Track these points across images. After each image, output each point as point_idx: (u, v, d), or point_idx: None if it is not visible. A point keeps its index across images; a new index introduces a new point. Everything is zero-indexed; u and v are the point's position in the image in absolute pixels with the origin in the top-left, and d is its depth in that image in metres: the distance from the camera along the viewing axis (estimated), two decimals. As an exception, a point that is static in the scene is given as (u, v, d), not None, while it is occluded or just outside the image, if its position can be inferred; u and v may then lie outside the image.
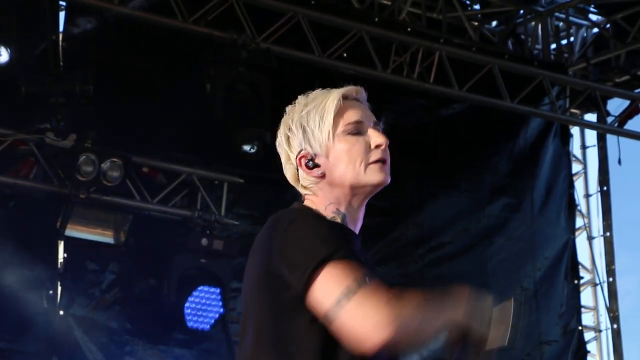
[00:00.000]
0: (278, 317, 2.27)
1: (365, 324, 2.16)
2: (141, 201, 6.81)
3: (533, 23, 8.42)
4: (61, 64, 6.60)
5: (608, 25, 8.42)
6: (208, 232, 6.89)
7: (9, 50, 6.09)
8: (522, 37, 8.48)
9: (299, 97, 2.47)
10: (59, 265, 6.60)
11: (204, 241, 6.79)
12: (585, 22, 8.63)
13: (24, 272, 6.47)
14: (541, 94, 8.10)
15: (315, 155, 2.40)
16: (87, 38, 6.77)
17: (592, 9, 8.55)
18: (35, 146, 6.46)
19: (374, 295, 2.18)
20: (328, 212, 2.39)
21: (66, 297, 6.63)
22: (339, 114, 2.40)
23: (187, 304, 6.76)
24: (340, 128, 2.40)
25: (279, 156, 2.47)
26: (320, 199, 2.41)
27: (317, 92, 2.45)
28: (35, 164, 6.52)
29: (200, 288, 6.80)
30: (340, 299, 2.18)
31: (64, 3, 6.74)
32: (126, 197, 6.71)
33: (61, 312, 6.57)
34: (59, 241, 6.58)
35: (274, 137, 2.52)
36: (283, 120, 2.47)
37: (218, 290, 6.83)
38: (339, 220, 2.39)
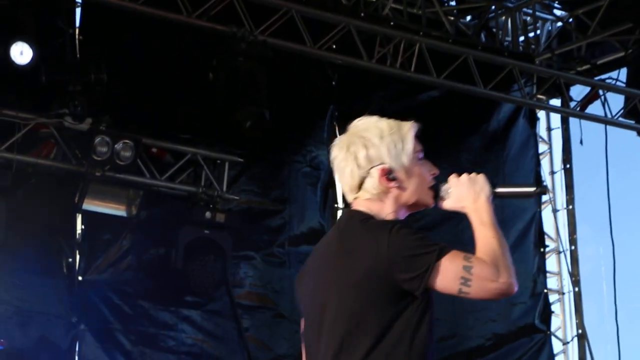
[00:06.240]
0: (381, 309, 2.42)
1: (492, 284, 2.43)
2: (151, 178, 6.80)
3: (503, 18, 8.38)
4: (78, 55, 6.60)
5: (571, 20, 8.36)
6: (211, 206, 6.87)
7: (32, 49, 6.01)
8: (494, 30, 8.42)
9: (360, 121, 2.58)
10: (77, 236, 6.65)
11: (208, 214, 6.77)
12: (550, 17, 8.58)
13: (46, 242, 6.54)
14: (511, 81, 8.05)
15: (395, 170, 2.54)
16: (101, 32, 6.75)
17: (556, 5, 8.52)
18: (55, 129, 6.44)
19: (481, 262, 2.47)
20: (389, 218, 2.54)
21: (84, 264, 6.64)
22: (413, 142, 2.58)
23: (192, 270, 6.75)
24: (414, 154, 2.57)
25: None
26: (384, 205, 2.55)
27: (386, 121, 2.57)
28: (55, 145, 6.50)
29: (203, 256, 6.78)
30: (465, 278, 2.44)
31: (79, 0, 6.70)
32: (137, 175, 6.70)
33: (80, 278, 6.60)
34: (77, 214, 6.61)
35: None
36: (353, 133, 2.57)
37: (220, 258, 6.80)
38: None
